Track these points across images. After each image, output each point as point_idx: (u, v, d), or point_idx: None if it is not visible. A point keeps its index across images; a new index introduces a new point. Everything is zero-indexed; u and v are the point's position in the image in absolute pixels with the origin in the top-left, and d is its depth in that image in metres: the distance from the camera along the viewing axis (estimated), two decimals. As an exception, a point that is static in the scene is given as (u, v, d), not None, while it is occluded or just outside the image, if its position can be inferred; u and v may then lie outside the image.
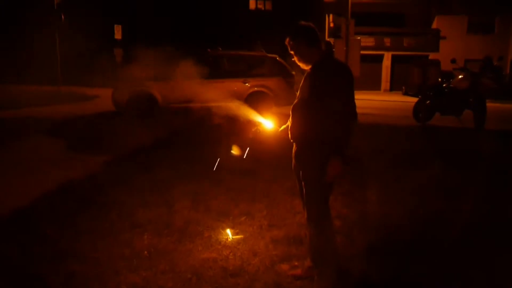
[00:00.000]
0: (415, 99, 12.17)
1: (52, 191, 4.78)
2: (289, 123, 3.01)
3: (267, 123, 3.23)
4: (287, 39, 2.77)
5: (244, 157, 3.46)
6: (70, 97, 16.76)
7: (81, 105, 14.76)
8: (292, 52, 2.79)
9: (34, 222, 3.87)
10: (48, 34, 18.16)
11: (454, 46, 27.20)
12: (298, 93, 2.83)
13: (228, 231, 3.75)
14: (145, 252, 3.32)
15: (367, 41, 26.80)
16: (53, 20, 17.06)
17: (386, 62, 29.91)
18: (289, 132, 2.85)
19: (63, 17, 17.00)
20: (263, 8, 34.21)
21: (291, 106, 2.87)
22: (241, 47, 13.34)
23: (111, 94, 11.36)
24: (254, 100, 10.72)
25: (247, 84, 11.11)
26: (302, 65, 2.81)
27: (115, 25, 20.80)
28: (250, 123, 3.33)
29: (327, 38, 26.44)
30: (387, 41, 29.18)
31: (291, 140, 2.87)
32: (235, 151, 3.74)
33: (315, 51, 2.74)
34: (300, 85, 2.83)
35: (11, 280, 2.92)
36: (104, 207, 4.31)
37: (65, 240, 3.50)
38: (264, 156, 6.24)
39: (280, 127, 3.11)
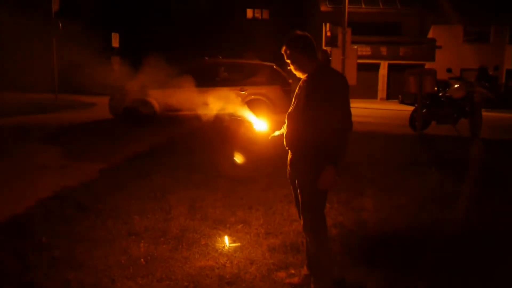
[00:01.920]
0: (411, 108, 12.23)
1: (48, 198, 4.76)
2: (283, 130, 3.02)
3: (262, 126, 3.26)
4: (284, 48, 2.79)
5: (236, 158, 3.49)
6: (67, 105, 16.75)
7: (78, 113, 14.75)
8: (288, 61, 2.81)
9: (29, 229, 3.85)
10: (46, 42, 18.18)
11: (450, 55, 27.39)
12: (293, 101, 2.85)
13: (225, 239, 3.74)
14: (142, 259, 3.31)
15: (364, 50, 26.97)
16: (50, 28, 17.09)
17: (383, 71, 30.06)
18: (285, 140, 2.87)
19: (60, 25, 17.04)
20: (260, 17, 34.43)
21: (286, 114, 2.89)
22: (239, 56, 13.42)
23: (108, 102, 11.37)
24: (251, 108, 10.69)
25: (244, 92, 11.14)
26: (298, 74, 2.83)
27: (113, 33, 20.84)
28: (245, 125, 3.36)
29: (324, 47, 26.56)
30: (383, 50, 29.35)
31: (286, 148, 2.88)
32: (238, 158, 3.80)
33: (311, 60, 2.76)
34: (295, 93, 2.85)
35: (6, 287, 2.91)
36: (101, 214, 4.30)
37: (61, 248, 3.48)
38: (260, 163, 6.26)
39: (274, 132, 3.13)
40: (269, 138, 3.14)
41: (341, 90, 2.66)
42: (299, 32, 2.81)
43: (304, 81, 2.78)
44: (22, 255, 3.33)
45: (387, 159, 7.05)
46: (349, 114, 2.66)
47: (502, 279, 3.07)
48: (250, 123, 3.32)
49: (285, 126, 3.02)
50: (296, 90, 2.84)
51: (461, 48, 28.66)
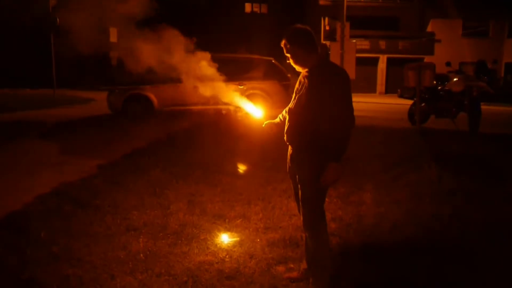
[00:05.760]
0: (410, 102, 12.20)
1: (46, 194, 4.75)
2: (278, 119, 3.02)
3: (258, 113, 3.26)
4: (283, 42, 2.75)
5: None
6: (65, 100, 16.74)
7: (76, 108, 14.73)
8: (288, 55, 2.77)
9: (28, 225, 3.84)
10: (43, 38, 18.12)
11: (448, 49, 27.36)
12: (294, 96, 2.83)
13: (224, 233, 3.74)
14: (141, 255, 3.31)
15: (363, 44, 26.95)
16: (48, 24, 17.03)
17: (381, 65, 30.04)
18: (285, 135, 2.85)
19: (58, 20, 16.96)
20: (258, 11, 34.34)
21: (287, 109, 2.87)
22: (236, 50, 13.38)
23: (107, 97, 11.35)
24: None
25: (242, 86, 11.11)
26: (297, 68, 2.80)
27: (111, 28, 20.78)
28: (242, 114, 3.37)
29: (322, 41, 26.53)
30: (382, 44, 29.32)
31: (287, 143, 2.87)
32: (241, 169, 3.80)
33: (311, 54, 2.73)
34: (296, 87, 2.82)
35: (4, 284, 2.90)
36: (99, 210, 4.29)
37: (60, 244, 3.47)
38: (259, 158, 6.26)
39: (267, 122, 3.13)
40: (263, 125, 3.13)
41: (342, 85, 2.63)
42: (299, 25, 2.77)
43: (305, 76, 2.75)
44: (20, 251, 3.33)
45: (386, 153, 7.04)
46: (351, 109, 2.63)
47: (502, 276, 3.07)
48: (246, 112, 3.32)
49: (280, 116, 3.02)
50: (296, 85, 2.81)
51: (460, 42, 28.61)
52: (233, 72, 11.44)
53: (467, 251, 3.46)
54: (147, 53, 4.00)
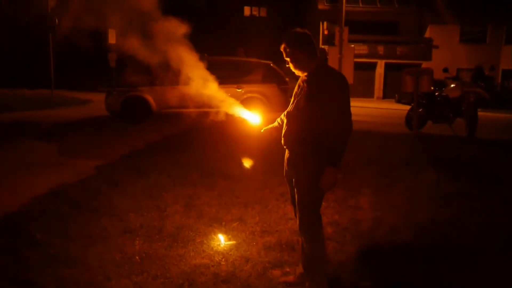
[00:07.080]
0: (407, 107, 12.24)
1: (43, 195, 4.74)
2: (276, 123, 3.03)
3: (255, 119, 3.27)
4: (283, 46, 2.77)
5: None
6: (63, 102, 16.71)
7: (74, 110, 14.71)
8: (287, 59, 2.79)
9: (24, 226, 3.83)
10: (42, 38, 18.10)
11: (446, 55, 27.45)
12: (292, 100, 2.84)
13: (220, 237, 3.74)
14: (137, 257, 3.31)
15: (361, 49, 27.02)
16: (47, 24, 17.00)
17: (379, 70, 30.10)
18: (283, 139, 2.85)
19: (57, 20, 16.95)
20: (257, 15, 34.43)
21: (285, 112, 2.88)
22: (234, 53, 13.41)
23: (105, 99, 11.35)
24: (247, 106, 10.64)
25: (240, 90, 11.12)
26: (297, 72, 2.81)
27: (109, 29, 20.73)
28: (239, 120, 3.38)
29: (321, 46, 26.60)
30: (380, 49, 29.39)
31: (284, 147, 2.87)
32: (246, 163, 3.79)
33: (310, 58, 2.74)
34: (294, 91, 2.83)
35: (0, 285, 2.89)
36: (96, 211, 4.28)
37: (56, 245, 3.47)
38: (256, 161, 6.26)
39: (266, 126, 3.14)
40: (262, 131, 3.14)
41: (341, 90, 2.64)
42: (299, 29, 2.78)
43: (304, 80, 2.76)
44: (16, 252, 3.32)
45: (383, 157, 7.05)
46: (349, 114, 2.65)
47: (500, 279, 3.08)
48: (243, 118, 3.34)
49: (278, 120, 3.03)
50: (295, 89, 2.82)
51: (457, 48, 28.73)
52: (231, 75, 11.48)
53: (465, 254, 3.47)
54: (147, 54, 4.02)
